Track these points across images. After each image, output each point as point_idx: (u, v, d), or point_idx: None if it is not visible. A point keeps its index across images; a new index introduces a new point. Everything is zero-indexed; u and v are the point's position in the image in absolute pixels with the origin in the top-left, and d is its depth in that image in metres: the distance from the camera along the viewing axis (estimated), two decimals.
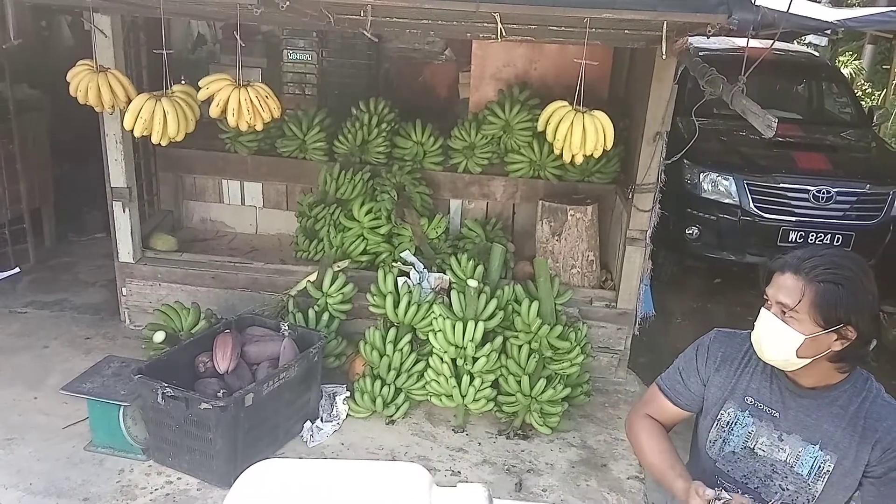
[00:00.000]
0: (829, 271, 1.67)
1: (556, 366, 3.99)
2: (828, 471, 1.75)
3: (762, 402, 1.84)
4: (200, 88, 3.37)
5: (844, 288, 1.65)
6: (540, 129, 3.33)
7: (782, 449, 1.80)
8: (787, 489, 1.80)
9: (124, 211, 4.60)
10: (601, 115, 3.21)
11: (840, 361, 1.71)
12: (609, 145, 3.24)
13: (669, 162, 4.25)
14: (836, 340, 1.67)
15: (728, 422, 1.88)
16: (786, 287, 1.70)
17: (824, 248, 1.77)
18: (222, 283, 4.71)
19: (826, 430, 1.75)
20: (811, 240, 5.43)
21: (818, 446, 1.76)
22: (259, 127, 3.42)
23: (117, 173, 4.54)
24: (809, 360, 1.70)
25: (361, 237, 4.78)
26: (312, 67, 5.91)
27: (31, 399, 4.00)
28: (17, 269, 2.51)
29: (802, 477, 1.78)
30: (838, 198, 5.43)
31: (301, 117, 5.18)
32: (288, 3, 2.79)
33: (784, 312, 1.70)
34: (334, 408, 3.94)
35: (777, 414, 1.81)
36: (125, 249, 4.71)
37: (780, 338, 1.70)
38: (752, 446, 1.85)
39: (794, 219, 5.46)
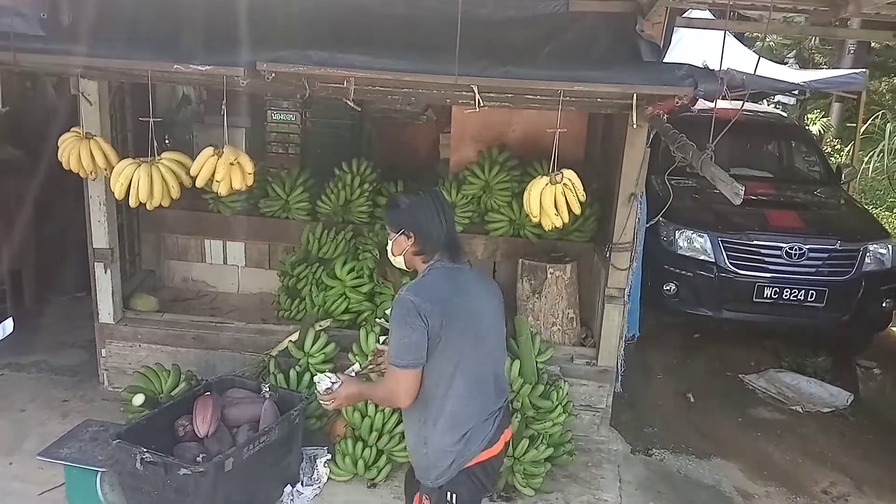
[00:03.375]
0: (389, 199, 2.72)
1: (538, 425, 4.00)
2: None
3: None
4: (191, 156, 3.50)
5: (397, 207, 2.63)
6: (534, 213, 3.42)
7: None
8: None
9: (106, 272, 4.61)
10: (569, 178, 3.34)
11: (419, 254, 2.60)
12: (575, 210, 3.36)
13: (648, 225, 4.36)
14: (406, 240, 2.59)
15: None
16: None
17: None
18: (203, 344, 4.69)
19: None
20: (786, 295, 5.53)
21: None
22: (224, 190, 3.53)
23: (100, 234, 4.56)
24: (402, 257, 2.65)
25: (343, 296, 4.81)
26: (296, 128, 6.03)
27: (6, 465, 3.93)
28: (8, 330, 2.52)
29: None
30: (810, 254, 5.56)
31: (284, 178, 5.26)
32: (273, 74, 2.89)
33: (387, 233, 2.68)
34: (315, 471, 3.91)
35: None
36: (105, 310, 4.70)
37: (388, 246, 2.68)
38: None
39: (768, 275, 5.57)
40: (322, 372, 2.72)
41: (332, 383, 2.65)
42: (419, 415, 2.55)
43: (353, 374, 2.83)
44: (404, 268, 2.71)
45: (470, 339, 2.54)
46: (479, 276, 2.76)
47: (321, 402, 2.70)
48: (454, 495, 2.54)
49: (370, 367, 2.93)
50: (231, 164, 3.47)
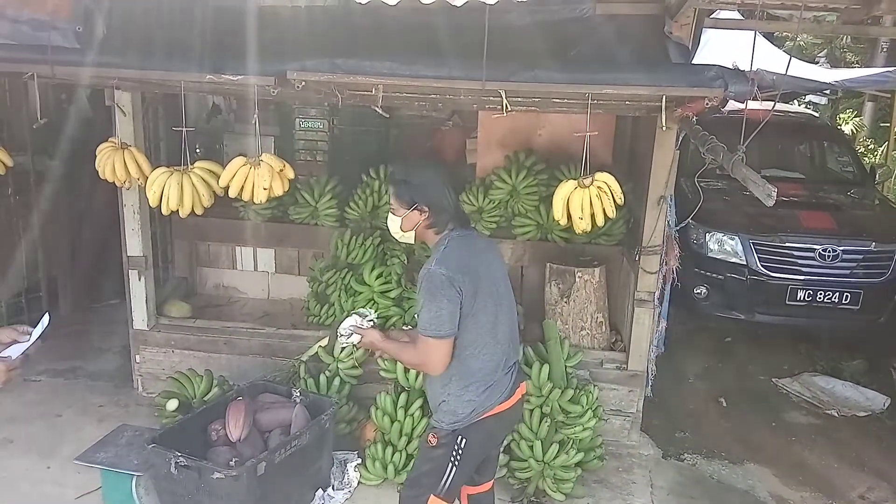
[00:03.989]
0: (398, 175, 2.79)
1: (568, 430, 3.98)
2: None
3: None
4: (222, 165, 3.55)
5: (407, 183, 2.71)
6: (558, 216, 3.42)
7: None
8: None
9: (140, 279, 4.69)
10: (604, 181, 3.33)
11: (432, 227, 2.71)
12: (610, 213, 3.35)
13: (678, 227, 4.32)
14: (420, 214, 2.69)
15: None
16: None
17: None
18: (235, 350, 4.76)
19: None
20: (819, 298, 5.45)
21: None
22: (265, 198, 3.57)
23: (134, 243, 4.64)
24: (413, 231, 2.74)
25: (372, 301, 4.83)
26: (324, 135, 6.07)
27: (44, 469, 4.01)
28: (46, 323, 2.64)
29: None
30: (844, 256, 5.47)
31: (313, 185, 5.31)
32: (304, 83, 2.92)
33: (391, 209, 2.76)
34: (346, 475, 3.93)
35: None
36: (140, 317, 4.78)
37: (391, 224, 2.79)
38: None
39: (801, 277, 5.49)
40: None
41: (359, 324, 2.97)
42: (448, 372, 2.69)
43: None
44: (410, 242, 2.82)
45: (496, 301, 2.72)
46: (486, 240, 3.00)
47: (344, 338, 2.97)
48: (464, 440, 2.72)
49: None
50: (280, 171, 3.53)
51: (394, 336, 3.02)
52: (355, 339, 2.94)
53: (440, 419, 2.77)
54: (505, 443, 3.92)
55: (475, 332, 2.65)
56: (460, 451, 2.73)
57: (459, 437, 2.72)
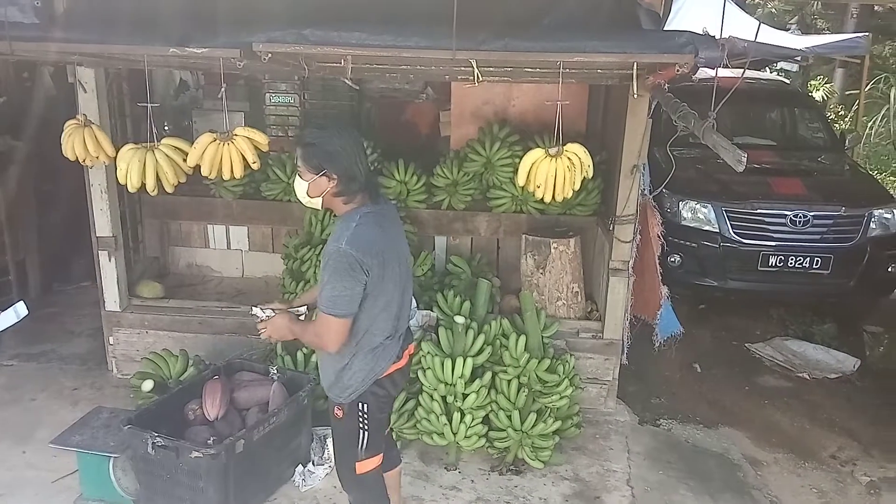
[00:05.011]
0: (304, 136, 2.68)
1: (545, 399, 4.01)
2: None
3: None
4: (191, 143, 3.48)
5: (316, 146, 2.61)
6: (521, 183, 3.42)
7: None
8: None
9: (110, 260, 4.62)
10: (574, 153, 3.32)
11: (340, 196, 2.63)
12: (575, 185, 3.35)
13: (651, 195, 4.34)
14: (328, 182, 2.60)
15: None
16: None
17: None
18: (210, 329, 4.71)
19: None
20: (791, 263, 5.51)
21: None
22: (241, 172, 3.51)
23: (103, 223, 4.56)
24: (320, 198, 2.65)
25: None
26: (295, 110, 5.97)
27: (19, 454, 3.97)
28: (22, 314, 2.61)
29: None
30: (815, 221, 5.54)
31: (285, 160, 5.24)
32: (270, 55, 2.86)
33: (298, 172, 2.67)
34: (325, 451, 3.93)
35: None
36: (111, 298, 4.71)
37: (298, 187, 2.70)
38: None
39: (773, 243, 5.55)
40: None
41: (267, 317, 2.87)
42: (341, 347, 2.70)
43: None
44: (316, 208, 2.75)
45: (396, 282, 2.73)
46: (393, 211, 2.91)
47: (259, 330, 2.90)
48: (365, 405, 2.81)
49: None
50: (267, 142, 3.51)
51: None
52: (269, 312, 2.89)
53: (337, 394, 2.82)
54: (484, 413, 3.96)
55: (370, 310, 2.66)
56: (365, 416, 2.82)
57: (360, 404, 2.81)
